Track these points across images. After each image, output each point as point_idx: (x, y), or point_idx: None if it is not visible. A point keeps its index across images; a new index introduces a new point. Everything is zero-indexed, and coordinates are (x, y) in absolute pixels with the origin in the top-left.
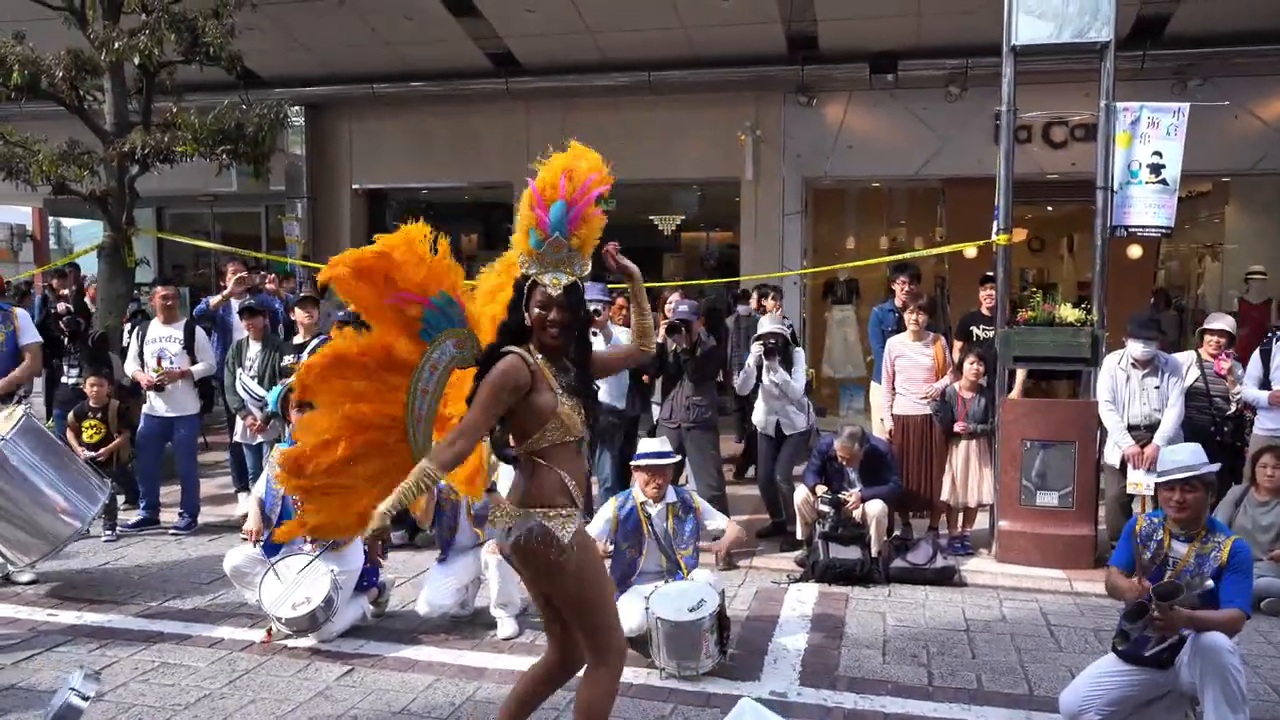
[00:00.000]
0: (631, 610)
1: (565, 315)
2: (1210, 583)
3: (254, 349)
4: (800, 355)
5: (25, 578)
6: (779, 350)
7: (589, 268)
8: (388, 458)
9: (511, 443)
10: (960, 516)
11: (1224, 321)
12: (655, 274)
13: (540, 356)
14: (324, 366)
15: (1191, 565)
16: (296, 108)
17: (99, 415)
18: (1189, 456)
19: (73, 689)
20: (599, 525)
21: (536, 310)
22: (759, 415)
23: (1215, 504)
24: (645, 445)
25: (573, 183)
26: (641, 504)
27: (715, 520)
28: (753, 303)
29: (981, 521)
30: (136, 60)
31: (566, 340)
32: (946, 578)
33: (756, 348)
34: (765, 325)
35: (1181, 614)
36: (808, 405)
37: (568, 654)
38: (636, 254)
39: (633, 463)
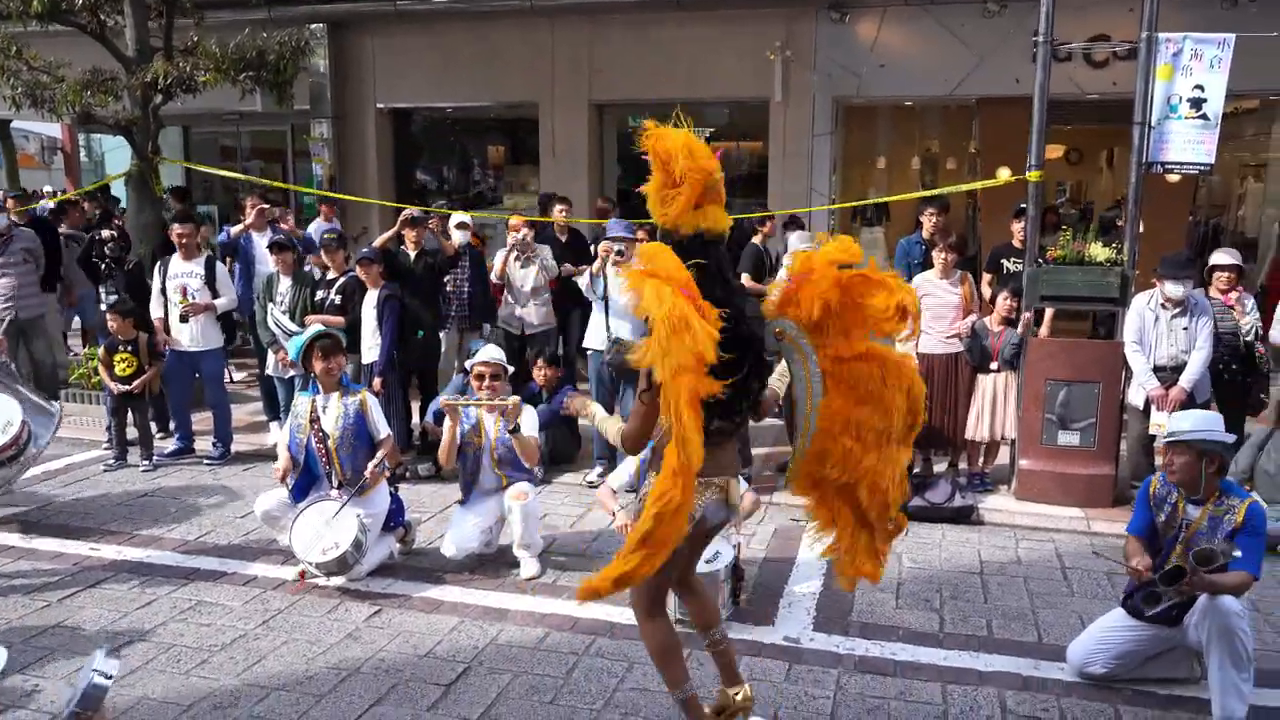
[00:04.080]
0: None
1: None
2: (1239, 552)
3: (284, 284)
4: None
5: None
6: None
7: None
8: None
9: None
10: (982, 452)
11: (1230, 255)
12: None
13: None
14: None
15: (1204, 528)
16: (318, 25)
17: (129, 348)
18: (1192, 423)
19: (95, 670)
20: (623, 476)
21: None
22: None
23: (1222, 468)
24: None
25: None
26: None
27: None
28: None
29: (1002, 458)
30: None
31: None
32: (964, 516)
33: (787, 259)
34: (794, 243)
35: (1203, 579)
36: None
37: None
38: None
39: None
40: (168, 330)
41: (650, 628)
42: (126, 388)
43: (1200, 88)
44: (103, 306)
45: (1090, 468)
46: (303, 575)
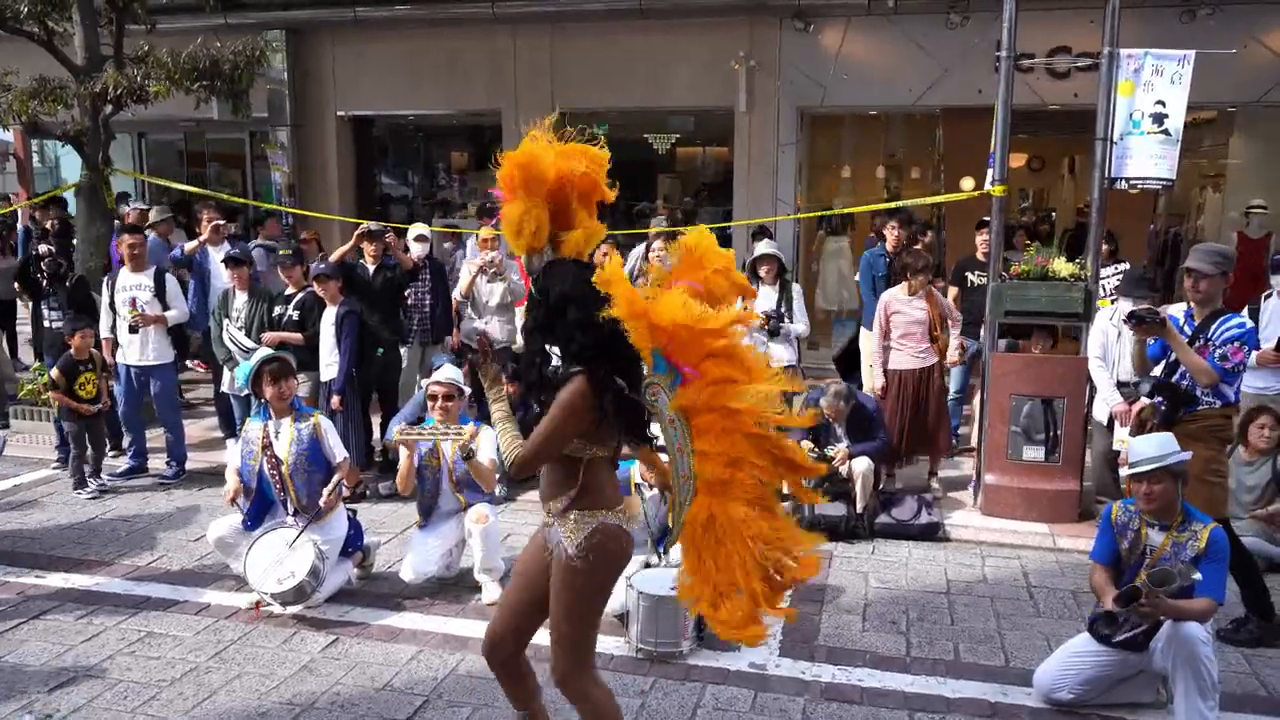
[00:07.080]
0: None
1: None
2: (1199, 575)
3: (240, 299)
4: (798, 295)
5: None
6: (780, 321)
7: None
8: None
9: None
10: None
11: None
12: (649, 196)
13: None
14: None
15: (1169, 554)
16: (276, 32)
17: (88, 367)
18: (1157, 448)
19: None
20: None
21: None
22: None
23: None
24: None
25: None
26: (636, 485)
27: None
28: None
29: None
30: None
31: None
32: (930, 534)
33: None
34: (761, 248)
35: (1165, 603)
36: (794, 341)
37: None
38: (630, 172)
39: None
40: (116, 347)
41: (599, 695)
42: (97, 407)
43: (1162, 103)
44: (46, 324)
45: (1055, 483)
46: (258, 605)
